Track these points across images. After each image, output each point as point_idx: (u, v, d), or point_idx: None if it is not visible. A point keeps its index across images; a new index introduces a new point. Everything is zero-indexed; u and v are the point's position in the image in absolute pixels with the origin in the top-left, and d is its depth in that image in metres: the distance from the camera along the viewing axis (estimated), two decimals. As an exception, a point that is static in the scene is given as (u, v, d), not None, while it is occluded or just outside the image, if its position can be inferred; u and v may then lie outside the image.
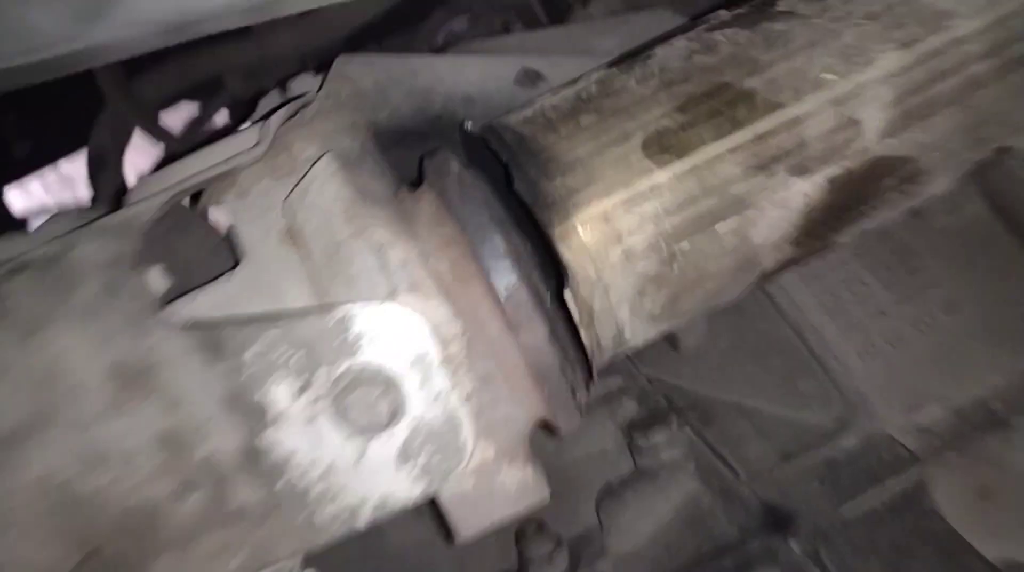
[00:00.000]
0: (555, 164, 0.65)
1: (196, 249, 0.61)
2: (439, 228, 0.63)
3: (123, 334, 0.52)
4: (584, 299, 0.64)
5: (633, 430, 0.93)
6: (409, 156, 0.72)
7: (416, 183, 0.70)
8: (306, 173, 0.60)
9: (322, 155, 0.58)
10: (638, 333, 0.69)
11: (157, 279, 0.57)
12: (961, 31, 0.69)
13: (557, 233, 0.63)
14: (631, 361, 0.96)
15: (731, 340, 0.94)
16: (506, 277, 0.61)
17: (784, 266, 0.74)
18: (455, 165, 0.65)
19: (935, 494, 0.81)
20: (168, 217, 0.58)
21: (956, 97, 0.70)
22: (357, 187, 0.58)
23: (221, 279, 0.59)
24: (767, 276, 0.73)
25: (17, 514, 0.53)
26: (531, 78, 0.82)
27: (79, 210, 0.63)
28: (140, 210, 0.56)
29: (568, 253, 0.63)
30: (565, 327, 0.64)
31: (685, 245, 0.66)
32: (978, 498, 0.81)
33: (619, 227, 0.65)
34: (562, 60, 0.86)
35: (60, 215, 0.61)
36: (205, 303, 0.57)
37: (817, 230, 0.72)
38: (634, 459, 0.92)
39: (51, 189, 2.85)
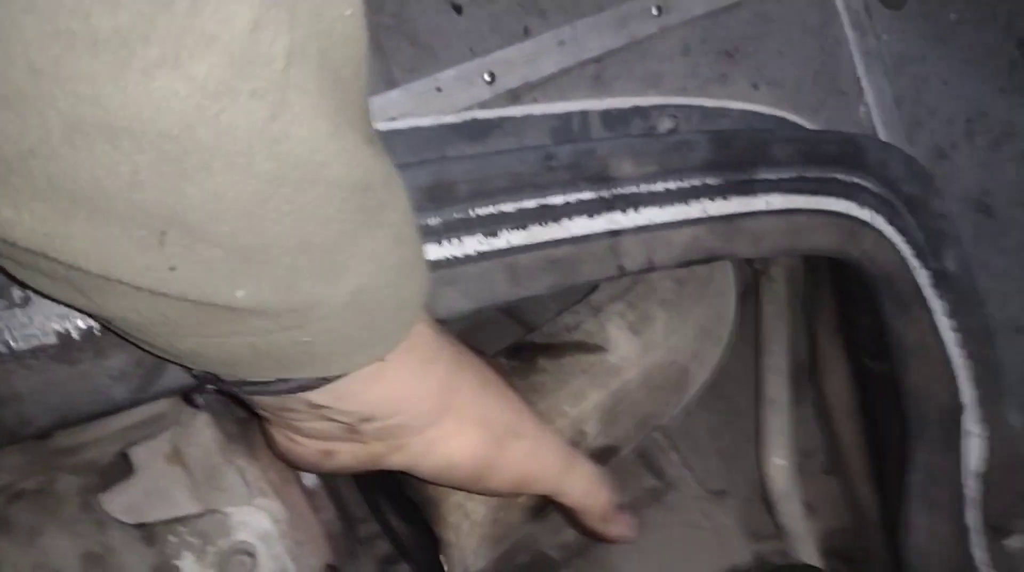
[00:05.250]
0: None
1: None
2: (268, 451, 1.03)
3: (91, 532, 0.87)
4: (450, 557, 1.05)
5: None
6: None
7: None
8: (183, 420, 0.98)
9: (198, 412, 0.97)
10: (479, 566, 1.11)
11: (110, 498, 0.92)
12: (628, 376, 1.21)
13: (430, 516, 1.03)
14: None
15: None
16: (312, 480, 1.03)
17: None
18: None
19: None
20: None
21: (629, 409, 1.21)
22: (223, 431, 0.98)
23: (124, 486, 0.95)
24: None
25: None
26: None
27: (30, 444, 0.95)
28: (100, 454, 0.91)
29: (438, 528, 1.03)
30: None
31: (502, 514, 1.10)
32: None
33: (467, 509, 1.05)
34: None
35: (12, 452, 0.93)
36: (119, 503, 0.93)
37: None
38: (386, 584, 1.34)
39: None
